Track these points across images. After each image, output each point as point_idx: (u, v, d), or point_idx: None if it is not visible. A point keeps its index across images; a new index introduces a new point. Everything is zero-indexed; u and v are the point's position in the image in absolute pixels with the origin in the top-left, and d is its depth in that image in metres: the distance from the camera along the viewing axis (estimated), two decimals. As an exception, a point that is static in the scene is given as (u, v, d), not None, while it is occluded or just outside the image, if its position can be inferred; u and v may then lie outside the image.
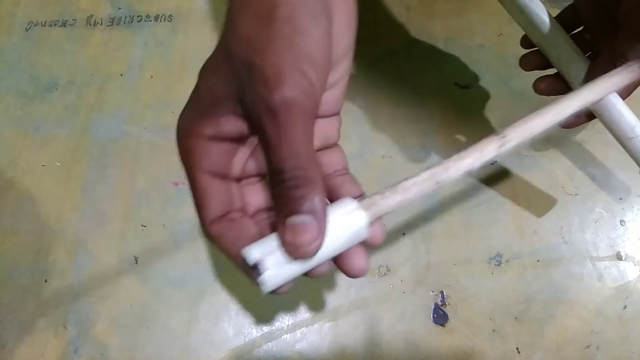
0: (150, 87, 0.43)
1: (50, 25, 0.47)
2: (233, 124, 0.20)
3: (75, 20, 0.47)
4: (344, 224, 0.19)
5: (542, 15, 0.32)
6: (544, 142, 0.40)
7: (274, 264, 0.18)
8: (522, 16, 0.33)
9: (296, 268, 0.19)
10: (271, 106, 0.17)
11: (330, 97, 0.22)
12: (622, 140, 0.30)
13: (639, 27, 0.27)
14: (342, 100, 0.23)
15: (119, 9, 0.47)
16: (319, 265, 0.19)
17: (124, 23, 0.46)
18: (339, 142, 0.23)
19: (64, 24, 0.47)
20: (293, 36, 0.18)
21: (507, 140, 0.21)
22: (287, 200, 0.18)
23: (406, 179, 0.20)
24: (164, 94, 0.43)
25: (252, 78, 0.18)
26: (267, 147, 0.18)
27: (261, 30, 0.18)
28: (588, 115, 0.32)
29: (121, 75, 0.44)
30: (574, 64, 0.32)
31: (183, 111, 0.21)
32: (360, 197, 0.20)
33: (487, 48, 0.44)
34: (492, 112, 0.42)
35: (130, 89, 0.43)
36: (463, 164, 0.20)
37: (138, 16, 0.46)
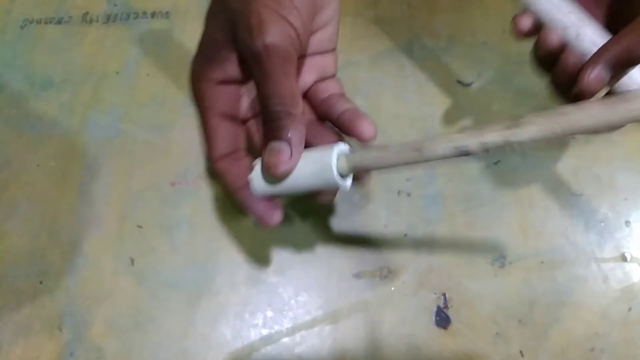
0: (146, 85, 0.43)
1: (46, 23, 0.46)
2: (235, 67, 0.22)
3: (70, 17, 0.46)
4: (315, 157, 0.21)
5: None
6: (549, 142, 0.40)
7: (257, 178, 0.23)
8: None
9: (274, 186, 0.23)
10: (254, 52, 0.20)
11: (324, 35, 0.24)
12: None
13: None
14: (336, 38, 0.25)
15: (115, 5, 0.46)
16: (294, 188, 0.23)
17: (120, 20, 0.45)
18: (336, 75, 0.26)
19: (59, 21, 0.46)
20: None
21: (517, 130, 0.17)
22: (269, 129, 0.21)
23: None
24: (160, 92, 0.42)
25: (240, 25, 0.21)
26: (256, 86, 0.21)
27: None
28: None
29: (117, 73, 0.43)
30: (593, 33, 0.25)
31: (194, 57, 0.24)
32: (351, 109, 0.24)
33: (491, 45, 0.43)
34: (495, 110, 0.41)
35: (126, 87, 0.43)
36: (453, 140, 0.19)
37: (134, 13, 0.46)
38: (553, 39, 0.25)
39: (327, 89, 0.25)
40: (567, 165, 0.39)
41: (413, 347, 0.35)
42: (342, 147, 0.22)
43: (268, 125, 0.21)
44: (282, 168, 0.21)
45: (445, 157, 0.20)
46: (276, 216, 0.24)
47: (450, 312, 0.36)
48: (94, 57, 0.44)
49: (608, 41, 0.23)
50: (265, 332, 0.36)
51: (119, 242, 0.38)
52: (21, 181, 0.40)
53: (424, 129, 0.41)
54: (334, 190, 0.23)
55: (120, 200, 0.39)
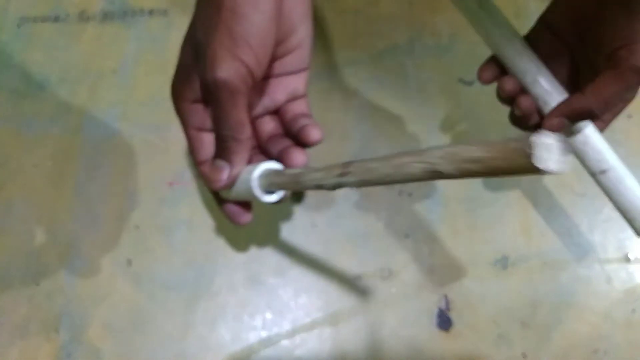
0: (144, 84, 0.42)
1: (42, 21, 0.46)
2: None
3: (67, 15, 0.45)
4: (244, 176, 0.25)
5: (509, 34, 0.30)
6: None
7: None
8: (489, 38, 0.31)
9: (229, 193, 0.27)
10: (206, 84, 0.23)
11: (294, 58, 0.27)
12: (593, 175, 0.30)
13: (627, 70, 0.25)
14: (308, 58, 0.27)
15: (113, 3, 0.46)
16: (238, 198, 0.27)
17: (118, 18, 0.45)
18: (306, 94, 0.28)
19: (56, 20, 0.45)
20: (232, 23, 0.22)
21: (348, 172, 0.21)
22: (218, 149, 0.25)
23: (309, 169, 0.23)
24: (158, 91, 0.42)
25: (200, 57, 0.23)
26: (210, 112, 0.25)
27: (212, 16, 0.22)
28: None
29: (114, 71, 0.43)
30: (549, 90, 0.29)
31: (173, 77, 0.27)
32: (307, 123, 0.27)
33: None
34: (496, 109, 0.41)
35: (123, 86, 0.42)
36: (315, 176, 0.22)
37: (132, 11, 0.45)
38: (510, 85, 0.30)
39: (294, 109, 0.28)
40: (570, 165, 0.39)
41: (414, 350, 0.34)
42: (266, 167, 0.25)
43: (217, 145, 0.25)
44: (218, 184, 0.25)
45: (310, 189, 0.23)
46: (243, 217, 0.27)
47: (452, 314, 0.35)
48: (91, 55, 0.44)
49: (567, 98, 0.28)
50: (264, 334, 0.35)
51: (116, 242, 0.38)
52: (18, 181, 0.40)
53: (424, 128, 0.40)
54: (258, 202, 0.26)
55: (117, 201, 0.39)
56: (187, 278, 0.37)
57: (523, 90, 0.30)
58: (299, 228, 0.38)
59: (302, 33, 0.26)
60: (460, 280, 0.36)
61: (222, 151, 0.25)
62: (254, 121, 0.28)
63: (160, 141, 0.41)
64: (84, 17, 0.45)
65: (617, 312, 0.35)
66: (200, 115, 0.26)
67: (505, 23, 0.31)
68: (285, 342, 0.35)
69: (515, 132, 0.40)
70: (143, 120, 0.41)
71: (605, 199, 0.38)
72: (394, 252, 0.37)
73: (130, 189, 0.39)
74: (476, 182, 0.39)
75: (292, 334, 0.35)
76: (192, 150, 0.27)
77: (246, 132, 0.24)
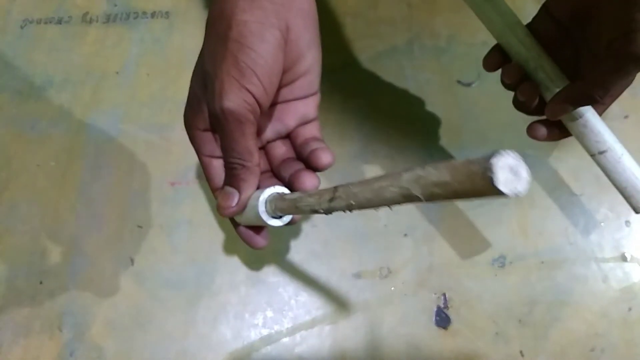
0: (146, 85, 0.43)
1: (46, 23, 0.46)
2: None
3: (70, 17, 0.46)
4: (252, 203, 0.25)
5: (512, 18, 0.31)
6: (547, 142, 0.40)
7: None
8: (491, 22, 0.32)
9: (241, 218, 0.27)
10: (214, 114, 0.23)
11: (303, 83, 0.27)
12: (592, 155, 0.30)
13: (626, 58, 0.26)
14: (317, 83, 0.28)
15: (115, 5, 0.46)
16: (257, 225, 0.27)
17: (120, 20, 0.45)
18: (317, 116, 0.29)
19: (59, 22, 0.46)
20: (239, 54, 0.22)
21: (337, 196, 0.21)
22: (227, 176, 0.26)
23: (303, 194, 0.23)
24: (160, 92, 0.42)
25: (208, 87, 0.24)
26: (219, 140, 0.25)
27: (219, 47, 0.23)
28: (562, 131, 0.31)
29: (117, 73, 0.43)
30: (553, 78, 0.30)
31: (185, 106, 0.27)
32: (318, 147, 0.27)
33: (490, 45, 0.43)
34: (495, 110, 0.41)
35: (126, 87, 0.43)
36: (309, 201, 0.23)
37: (134, 13, 0.46)
38: (514, 72, 0.31)
39: (305, 133, 0.28)
40: (568, 165, 0.39)
41: (413, 347, 0.35)
42: (271, 191, 0.25)
43: (227, 172, 0.26)
44: (228, 210, 0.26)
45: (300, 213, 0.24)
46: (258, 241, 0.28)
47: (450, 312, 0.36)
48: (93, 57, 0.44)
49: (569, 85, 0.29)
50: (265, 332, 0.36)
51: (119, 242, 0.38)
52: (21, 181, 0.40)
53: (424, 130, 0.41)
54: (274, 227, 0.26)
55: (120, 200, 0.39)
56: (188, 277, 0.37)
57: (526, 77, 0.31)
58: (299, 228, 0.38)
59: (310, 59, 0.26)
60: (459, 278, 0.36)
61: (231, 178, 0.25)
62: (265, 146, 0.29)
63: (162, 142, 0.41)
64: (86, 19, 0.46)
65: (614, 311, 0.35)
66: (211, 143, 0.27)
67: (509, 12, 0.31)
68: (285, 340, 0.35)
69: (512, 131, 0.40)
70: (145, 121, 0.41)
71: (602, 199, 0.38)
72: (393, 251, 0.37)
73: (133, 189, 0.39)
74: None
75: (292, 331, 0.36)
76: (207, 178, 0.27)
77: (254, 159, 0.25)
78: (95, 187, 0.40)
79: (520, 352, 0.35)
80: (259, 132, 0.28)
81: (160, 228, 0.38)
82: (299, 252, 0.38)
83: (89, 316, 0.36)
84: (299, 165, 0.27)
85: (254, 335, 0.36)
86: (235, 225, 0.28)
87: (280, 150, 0.29)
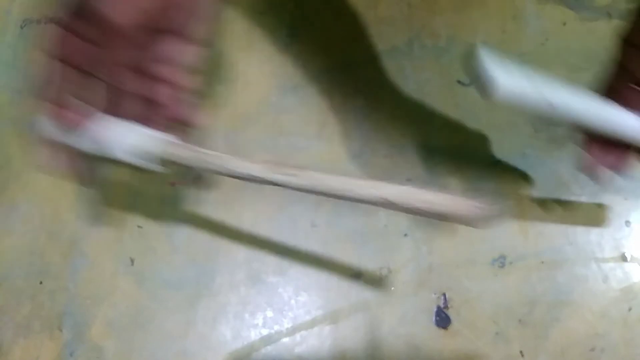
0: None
1: (46, 23, 0.46)
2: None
3: (70, 17, 0.46)
4: (139, 134, 0.23)
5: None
6: (549, 142, 0.40)
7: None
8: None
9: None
10: (91, 14, 0.21)
11: (178, 17, 0.24)
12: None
13: None
14: (200, 30, 0.25)
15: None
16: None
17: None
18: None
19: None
20: None
21: (299, 176, 0.21)
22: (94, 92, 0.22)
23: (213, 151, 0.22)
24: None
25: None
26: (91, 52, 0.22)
27: None
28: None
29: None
30: None
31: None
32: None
33: (491, 45, 0.43)
34: (495, 110, 0.41)
35: (126, 87, 0.43)
36: (252, 167, 0.22)
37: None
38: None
39: (173, 77, 0.26)
40: (568, 165, 0.39)
41: (413, 347, 0.35)
42: (160, 135, 0.23)
43: (96, 88, 0.23)
44: (79, 124, 0.22)
45: (240, 178, 0.22)
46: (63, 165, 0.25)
47: (450, 312, 0.36)
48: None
49: None
50: (265, 332, 0.36)
51: (118, 242, 0.38)
52: (21, 181, 0.40)
53: (423, 130, 0.41)
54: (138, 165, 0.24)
55: (120, 201, 0.39)
56: (188, 277, 0.37)
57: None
58: (299, 227, 0.38)
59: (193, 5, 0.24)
60: (459, 278, 0.36)
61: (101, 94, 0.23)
62: (134, 73, 0.26)
63: (162, 142, 0.41)
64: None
65: (614, 311, 0.35)
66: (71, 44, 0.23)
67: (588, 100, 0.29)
68: (285, 340, 0.35)
69: (512, 131, 0.40)
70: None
71: (602, 199, 0.38)
72: (393, 251, 0.37)
73: (133, 189, 0.39)
74: (474, 182, 0.39)
75: (292, 331, 0.36)
76: (42, 82, 0.23)
77: (125, 78, 0.22)
78: (95, 187, 0.40)
79: (521, 352, 0.35)
80: (129, 58, 0.25)
81: (160, 228, 0.38)
82: (299, 252, 0.38)
83: (89, 316, 0.36)
84: (172, 95, 0.25)
85: (253, 335, 0.36)
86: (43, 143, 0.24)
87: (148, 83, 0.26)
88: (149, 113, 0.26)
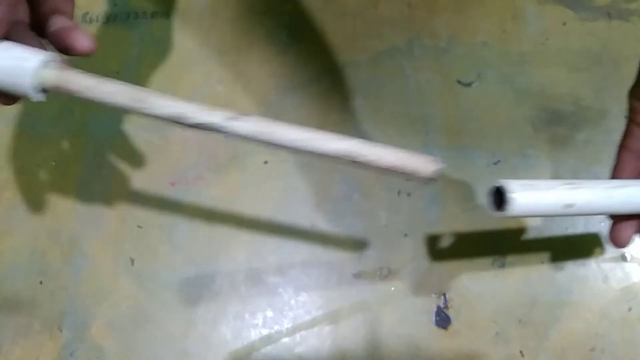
0: (146, 85, 0.43)
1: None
2: None
3: (70, 17, 0.46)
4: (15, 53, 0.19)
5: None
6: (549, 142, 0.40)
7: None
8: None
9: None
10: None
11: None
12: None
13: None
14: None
15: (115, 5, 0.46)
16: None
17: (120, 20, 0.45)
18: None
19: (59, 21, 0.46)
20: None
21: (235, 123, 0.19)
22: None
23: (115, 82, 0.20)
24: (160, 93, 0.42)
25: None
26: None
27: None
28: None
29: (117, 73, 0.43)
30: None
31: None
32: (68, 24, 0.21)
33: (491, 45, 0.43)
34: (495, 110, 0.41)
35: (126, 87, 0.43)
36: (178, 107, 0.19)
37: (134, 13, 0.45)
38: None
39: (56, 2, 0.23)
40: (567, 165, 0.39)
41: (413, 347, 0.35)
42: (51, 57, 0.20)
43: None
44: None
45: (161, 118, 0.20)
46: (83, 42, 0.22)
47: (451, 312, 0.36)
48: (94, 56, 0.44)
49: None
50: (265, 332, 0.36)
51: (118, 242, 0.38)
52: (21, 181, 0.40)
53: (424, 129, 0.41)
54: (18, 95, 0.20)
55: (120, 200, 0.39)
56: (188, 277, 0.37)
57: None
58: (299, 228, 0.38)
59: None
60: (459, 279, 0.36)
61: None
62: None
63: (162, 141, 0.41)
64: (87, 19, 0.46)
65: (614, 311, 0.35)
66: None
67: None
68: (285, 340, 0.35)
69: (512, 130, 0.40)
70: (145, 121, 0.41)
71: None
72: (393, 251, 0.37)
73: (133, 189, 0.39)
74: (474, 182, 0.39)
75: (292, 332, 0.36)
76: None
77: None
78: (95, 187, 0.40)
79: (521, 352, 0.35)
80: None
81: (160, 228, 0.38)
82: (299, 252, 0.38)
83: (89, 316, 0.36)
84: (63, 22, 0.22)
85: (254, 335, 0.36)
86: None
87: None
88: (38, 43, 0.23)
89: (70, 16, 0.23)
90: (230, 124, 0.19)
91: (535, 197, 0.24)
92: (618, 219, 0.30)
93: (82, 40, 0.21)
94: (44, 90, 0.20)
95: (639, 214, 0.28)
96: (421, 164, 0.21)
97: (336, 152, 0.20)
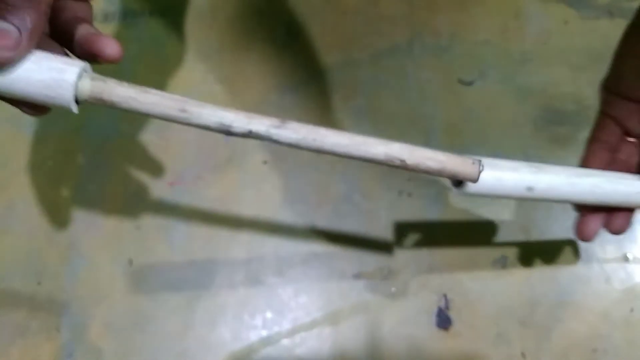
0: (144, 84, 0.42)
1: (44, 21, 0.46)
2: None
3: (68, 15, 0.46)
4: (52, 65, 0.19)
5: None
6: (550, 141, 0.40)
7: None
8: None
9: None
10: None
11: None
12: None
13: None
14: None
15: (113, 4, 0.46)
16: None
17: (118, 19, 0.45)
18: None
19: (57, 20, 0.46)
20: None
21: (280, 131, 0.19)
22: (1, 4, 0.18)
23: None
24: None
25: None
26: None
27: None
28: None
29: (115, 72, 0.43)
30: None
31: None
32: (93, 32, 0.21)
33: (492, 44, 0.43)
34: (496, 109, 0.41)
35: (124, 86, 0.42)
36: (222, 116, 0.19)
37: (132, 12, 0.45)
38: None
39: (75, 9, 0.22)
40: (569, 164, 0.39)
41: (414, 349, 0.35)
42: (86, 67, 0.20)
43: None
44: (4, 55, 0.18)
45: (207, 128, 0.19)
46: (111, 48, 0.22)
47: (451, 313, 0.35)
48: (92, 56, 0.44)
49: None
50: (264, 333, 0.35)
51: (117, 242, 0.38)
52: (19, 182, 0.40)
53: (424, 129, 0.40)
54: (57, 106, 0.20)
55: (118, 201, 0.39)
56: (187, 278, 0.37)
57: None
58: (298, 228, 0.38)
59: None
60: (460, 279, 0.36)
61: (5, 8, 0.18)
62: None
63: (160, 141, 0.41)
64: (84, 17, 0.46)
65: (616, 312, 0.35)
66: None
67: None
68: (285, 341, 0.35)
69: (514, 130, 0.40)
70: (143, 121, 0.41)
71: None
72: (393, 251, 0.37)
73: (131, 189, 0.39)
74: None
75: (292, 333, 0.35)
76: None
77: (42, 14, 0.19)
78: (93, 187, 0.39)
79: (522, 353, 0.34)
80: None
81: (159, 228, 0.38)
82: (298, 252, 0.37)
83: (87, 317, 0.36)
84: (87, 29, 0.22)
85: (253, 336, 0.35)
86: None
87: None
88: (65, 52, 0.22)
89: (90, 22, 0.23)
90: (276, 132, 0.19)
91: (496, 177, 0.24)
92: (585, 210, 0.29)
93: (111, 46, 0.21)
94: (81, 101, 0.20)
95: (605, 207, 0.28)
96: (466, 166, 0.21)
97: (382, 157, 0.21)
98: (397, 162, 0.21)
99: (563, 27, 0.43)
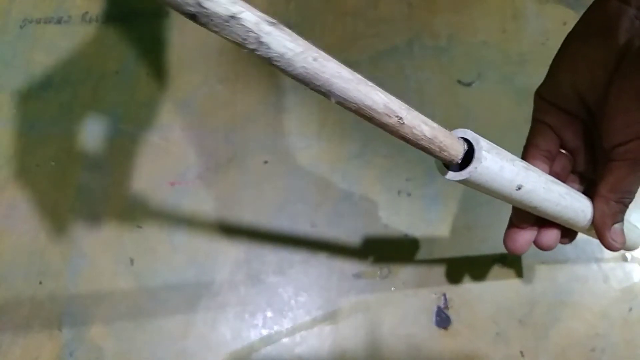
0: (145, 85, 0.43)
1: (45, 23, 0.46)
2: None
3: (70, 17, 0.46)
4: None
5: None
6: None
7: None
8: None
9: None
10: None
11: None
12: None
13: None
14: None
15: (115, 5, 0.46)
16: None
17: (120, 20, 0.45)
18: None
19: (59, 21, 0.46)
20: None
21: (280, 28, 0.14)
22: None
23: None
24: (160, 92, 0.42)
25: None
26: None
27: None
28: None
29: (116, 72, 0.43)
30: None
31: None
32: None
33: (491, 45, 0.43)
34: (495, 110, 0.41)
35: (125, 87, 0.43)
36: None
37: (134, 12, 0.45)
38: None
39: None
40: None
41: (413, 348, 0.35)
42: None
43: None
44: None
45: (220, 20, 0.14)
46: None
47: (451, 312, 0.35)
48: (93, 57, 0.44)
49: (597, 206, 0.26)
50: (265, 332, 0.36)
51: (118, 242, 0.38)
52: (21, 181, 0.40)
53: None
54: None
55: (119, 201, 0.39)
56: (188, 277, 0.37)
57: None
58: (299, 228, 0.38)
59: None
60: (459, 278, 0.36)
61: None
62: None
63: (161, 142, 0.41)
64: (86, 18, 0.46)
65: (614, 311, 0.35)
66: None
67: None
68: (285, 340, 0.35)
69: (513, 130, 0.40)
70: (145, 121, 0.41)
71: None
72: (393, 251, 0.37)
73: (132, 189, 0.39)
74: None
75: (292, 332, 0.36)
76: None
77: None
78: (94, 187, 0.40)
79: (521, 352, 0.35)
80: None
81: (160, 228, 0.38)
82: (299, 252, 0.38)
83: (88, 316, 0.36)
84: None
85: (253, 335, 0.35)
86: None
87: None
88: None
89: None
90: (268, 30, 0.14)
91: (498, 165, 0.20)
92: (517, 222, 0.28)
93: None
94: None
95: (546, 220, 0.27)
96: (454, 142, 0.19)
97: (380, 107, 0.18)
98: (394, 119, 0.18)
99: (562, 28, 0.43)
